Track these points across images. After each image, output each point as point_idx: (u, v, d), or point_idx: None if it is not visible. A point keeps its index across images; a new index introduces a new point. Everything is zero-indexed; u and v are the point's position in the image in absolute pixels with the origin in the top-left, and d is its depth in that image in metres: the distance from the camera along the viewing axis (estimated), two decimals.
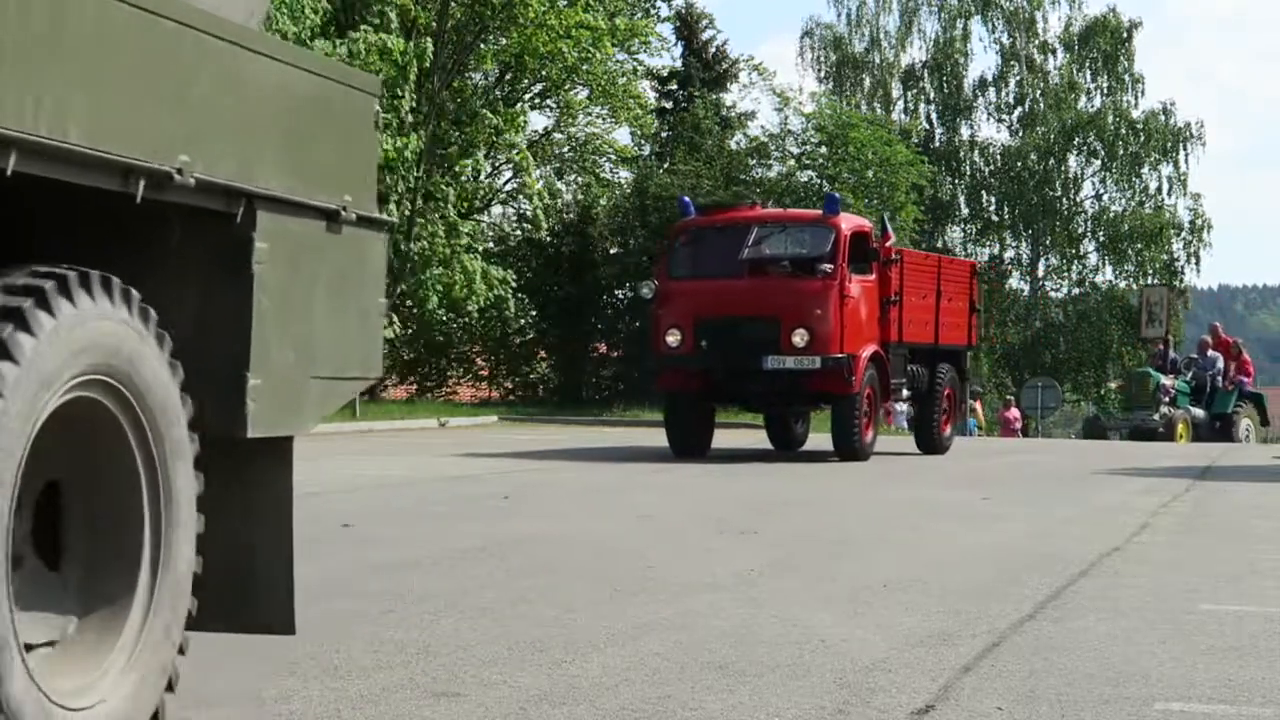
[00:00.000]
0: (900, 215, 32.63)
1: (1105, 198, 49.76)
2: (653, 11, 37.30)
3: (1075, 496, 13.35)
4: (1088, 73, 50.20)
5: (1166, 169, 48.74)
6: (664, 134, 39.73)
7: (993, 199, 50.74)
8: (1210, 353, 30.79)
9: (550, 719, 4.79)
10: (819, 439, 19.03)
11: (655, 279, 17.69)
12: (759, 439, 19.99)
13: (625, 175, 38.09)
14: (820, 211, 18.08)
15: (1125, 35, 49.85)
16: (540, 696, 5.05)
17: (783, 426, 19.49)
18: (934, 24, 51.53)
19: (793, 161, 33.66)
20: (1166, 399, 29.21)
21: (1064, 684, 5.34)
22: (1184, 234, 48.41)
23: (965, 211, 50.74)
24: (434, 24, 27.98)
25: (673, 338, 17.02)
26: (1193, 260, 48.41)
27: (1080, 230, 49.76)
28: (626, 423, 26.78)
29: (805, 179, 33.17)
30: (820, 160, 33.23)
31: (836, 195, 18.26)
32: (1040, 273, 50.64)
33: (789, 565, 8.27)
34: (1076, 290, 49.53)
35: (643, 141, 39.36)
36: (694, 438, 17.69)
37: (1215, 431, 29.41)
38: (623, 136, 38.30)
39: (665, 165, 36.66)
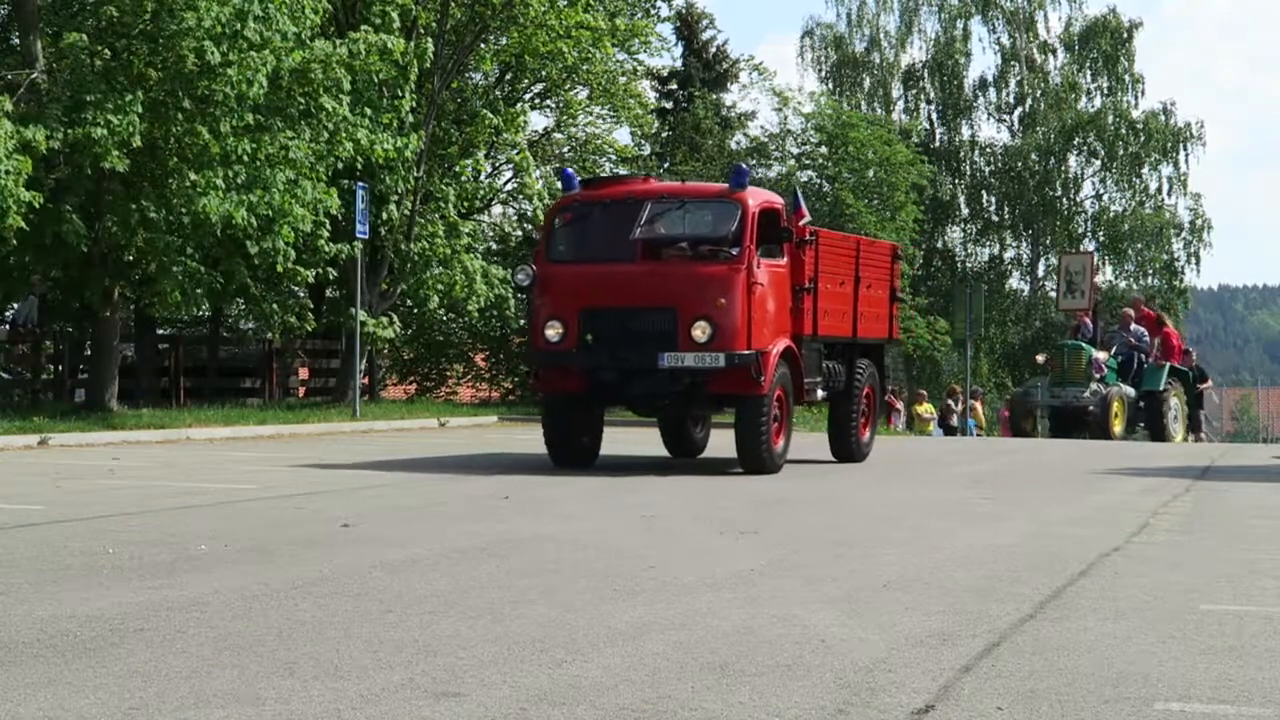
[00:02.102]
0: (900, 215, 32.63)
1: (1105, 198, 49.79)
2: (653, 11, 37.27)
3: (1075, 496, 13.35)
4: (1088, 73, 50.22)
5: (1166, 169, 48.78)
6: (664, 134, 39.74)
7: (993, 199, 50.76)
8: (1134, 325, 28.38)
9: (550, 719, 4.79)
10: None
11: (534, 263, 15.41)
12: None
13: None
14: (724, 185, 15.66)
15: (1125, 35, 49.87)
16: (540, 696, 5.05)
17: (680, 430, 17.60)
18: (934, 24, 51.61)
19: (793, 161, 33.66)
20: (1099, 375, 26.74)
21: (1064, 684, 5.34)
22: (1184, 234, 48.41)
23: (965, 211, 50.74)
24: (434, 24, 27.97)
25: (552, 331, 14.82)
26: (1193, 260, 48.46)
27: (1080, 230, 49.78)
28: (627, 423, 26.77)
29: (805, 179, 33.17)
30: (820, 160, 33.23)
31: (745, 167, 15.70)
32: (1040, 273, 50.63)
33: (789, 565, 8.27)
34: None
35: (643, 141, 39.35)
36: (578, 446, 15.54)
37: (1141, 410, 27.51)
38: (623, 136, 38.30)
39: (665, 165, 36.65)
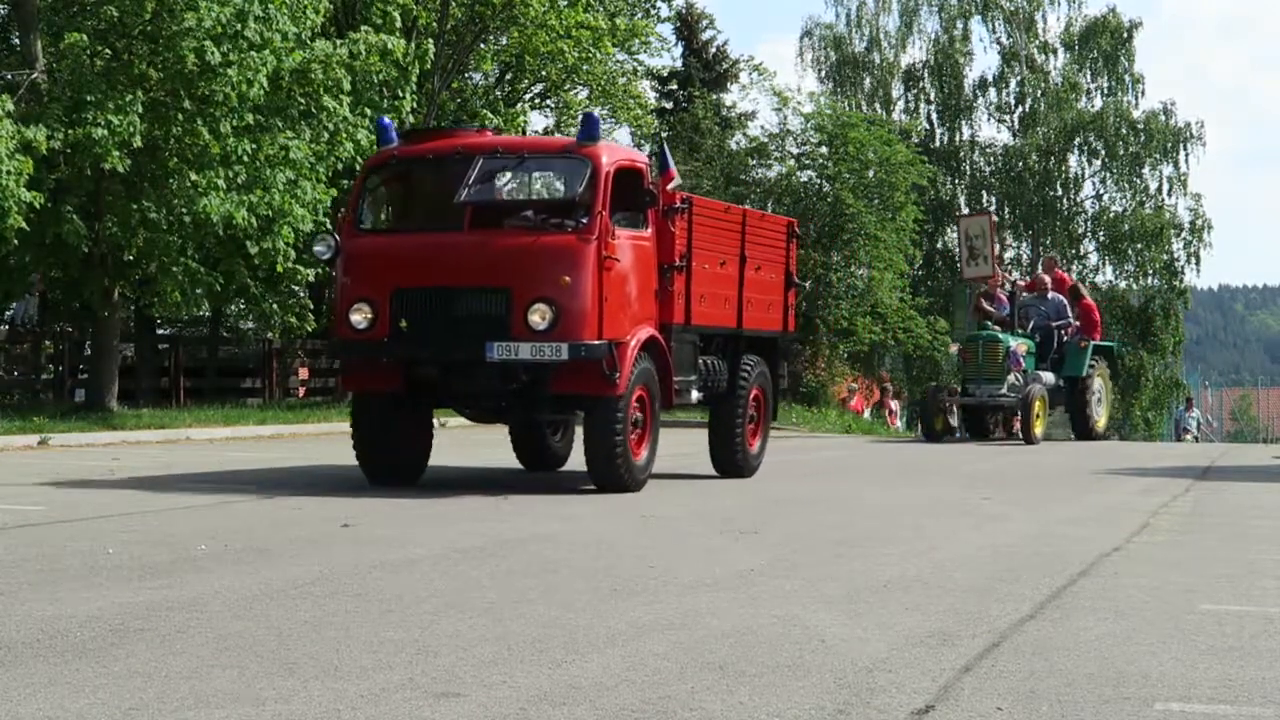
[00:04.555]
0: (900, 215, 32.59)
1: (1105, 198, 49.77)
2: (653, 12, 37.31)
3: (1075, 496, 13.36)
4: (1088, 73, 50.20)
5: (1167, 169, 48.75)
6: (664, 134, 39.74)
7: (993, 199, 50.73)
8: (1052, 295, 24.43)
9: (550, 719, 4.79)
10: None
11: (339, 233, 12.83)
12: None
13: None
14: (571, 138, 13.14)
15: (1125, 35, 49.86)
16: (540, 696, 5.05)
17: (533, 438, 15.00)
18: (934, 24, 51.57)
19: (792, 161, 33.65)
20: (1018, 369, 22.71)
21: (1064, 684, 5.34)
22: (1184, 234, 48.40)
23: (965, 212, 50.71)
24: (434, 24, 27.97)
25: (359, 316, 12.31)
26: (1193, 260, 48.42)
27: (1080, 230, 49.77)
28: None
29: (805, 179, 33.16)
30: (820, 160, 33.21)
31: (595, 115, 13.01)
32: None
33: (789, 565, 8.27)
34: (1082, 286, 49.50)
35: (643, 141, 39.36)
36: (395, 458, 12.91)
37: (1060, 393, 23.93)
38: (623, 136, 38.30)
39: None
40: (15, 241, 19.45)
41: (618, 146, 13.88)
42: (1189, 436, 41.02)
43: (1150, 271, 48.09)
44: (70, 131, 19.29)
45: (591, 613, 6.59)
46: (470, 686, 5.17)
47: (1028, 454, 20.14)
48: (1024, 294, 24.65)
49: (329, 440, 20.30)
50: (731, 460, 14.59)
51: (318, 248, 12.81)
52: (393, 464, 12.88)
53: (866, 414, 34.42)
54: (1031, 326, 23.85)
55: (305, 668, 5.40)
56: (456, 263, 12.18)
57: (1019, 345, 22.77)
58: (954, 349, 24.11)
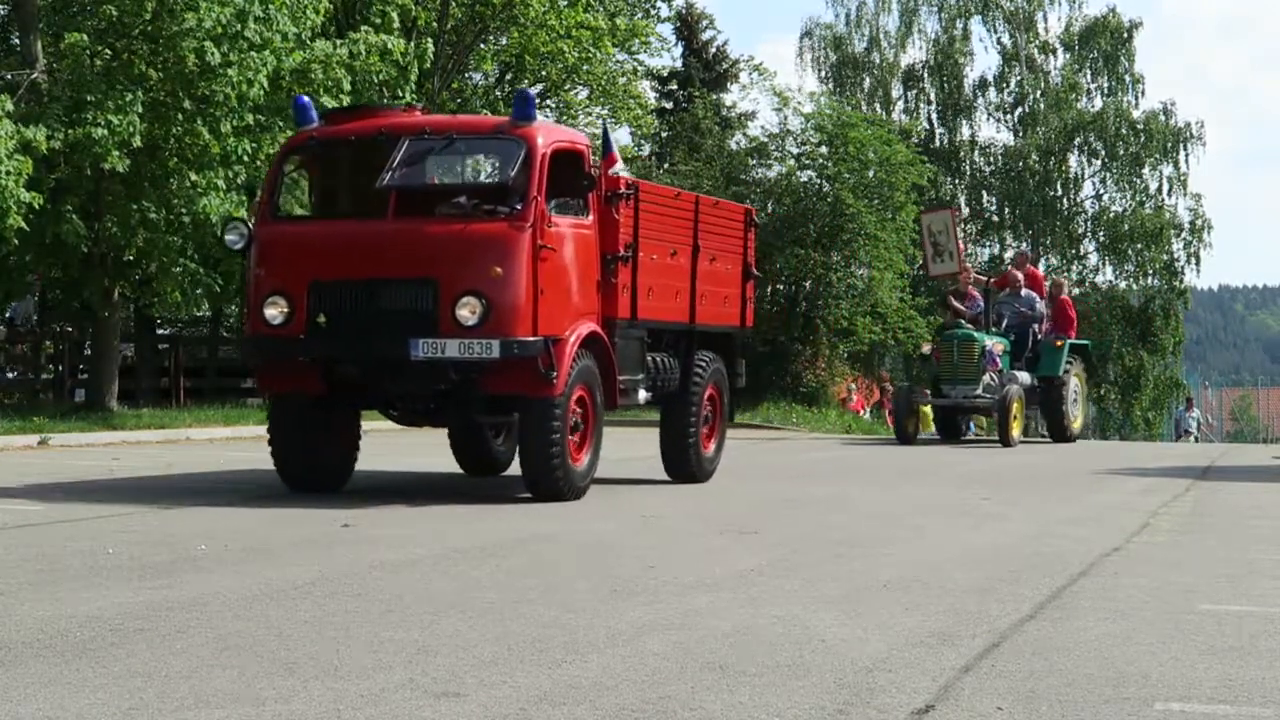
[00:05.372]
0: (900, 215, 32.58)
1: (1105, 198, 49.76)
2: (653, 12, 37.32)
3: (1075, 496, 13.36)
4: (1088, 73, 50.19)
5: (1167, 169, 48.72)
6: (664, 134, 39.75)
7: (993, 199, 50.73)
8: (1025, 291, 23.34)
9: (550, 719, 4.79)
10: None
11: (254, 222, 11.97)
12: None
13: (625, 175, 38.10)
14: (505, 118, 12.29)
15: (1125, 35, 49.84)
16: (540, 696, 5.05)
17: (473, 440, 14.11)
18: (934, 24, 51.55)
19: (792, 161, 33.64)
20: (993, 368, 21.69)
21: (1064, 684, 5.34)
22: (1184, 234, 48.38)
23: (966, 211, 50.71)
24: (434, 24, 27.97)
25: (274, 310, 11.39)
26: (1193, 260, 48.40)
27: (1080, 230, 49.75)
28: (624, 423, 26.79)
29: (805, 179, 33.15)
30: (820, 160, 33.20)
31: (531, 93, 12.15)
32: (1040, 273, 50.62)
33: (789, 565, 8.27)
34: (1076, 290, 49.53)
35: (643, 141, 39.37)
36: (315, 462, 12.05)
37: (1035, 393, 22.84)
38: (623, 137, 38.31)
39: (665, 165, 36.65)
40: (15, 241, 19.46)
41: (555, 126, 12.84)
42: (1190, 437, 41.03)
43: (1150, 271, 48.07)
44: (70, 131, 19.28)
45: (591, 613, 6.60)
46: (470, 686, 5.17)
47: (1026, 454, 20.14)
48: (996, 291, 23.65)
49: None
50: (684, 464, 13.72)
51: (228, 236, 11.88)
52: (314, 470, 12.04)
53: (866, 414, 34.41)
54: (1005, 325, 22.92)
55: (305, 668, 5.40)
56: (379, 253, 11.27)
57: (995, 345, 21.93)
58: (927, 348, 22.99)
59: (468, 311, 11.00)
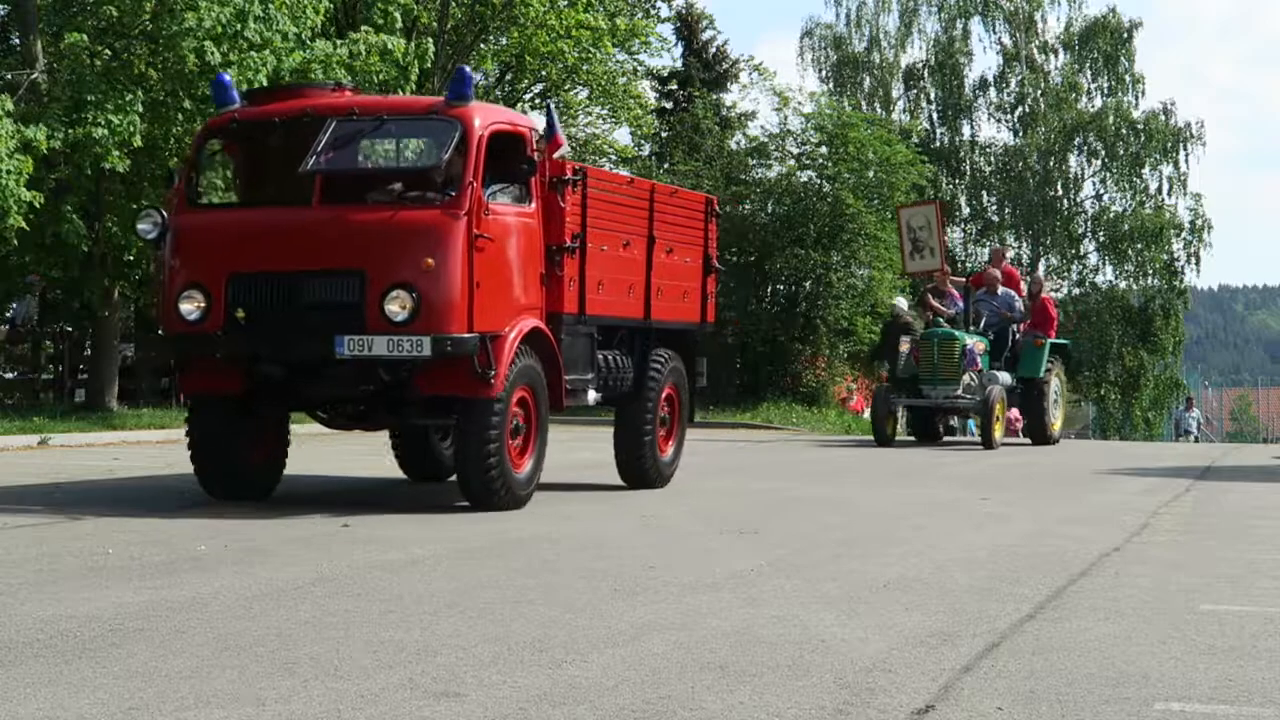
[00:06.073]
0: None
1: (1105, 198, 49.77)
2: (653, 12, 37.34)
3: (1075, 496, 13.35)
4: (1088, 73, 50.20)
5: (1167, 169, 48.73)
6: (664, 134, 39.75)
7: (993, 199, 50.74)
8: (1003, 290, 22.46)
9: (550, 719, 4.79)
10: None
11: (171, 210, 11.03)
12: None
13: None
14: (440, 98, 11.38)
15: (1125, 35, 49.85)
16: (540, 696, 5.05)
17: (415, 445, 13.35)
18: (934, 24, 51.56)
19: (792, 161, 33.64)
20: (974, 368, 20.98)
21: (1064, 684, 5.34)
22: (1184, 234, 48.39)
23: (966, 211, 50.73)
24: (434, 24, 27.97)
25: (190, 305, 10.63)
26: (1193, 260, 48.42)
27: (1080, 230, 49.76)
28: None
29: (805, 179, 33.15)
30: (820, 160, 33.21)
31: (468, 71, 11.22)
32: (1040, 273, 50.64)
33: (789, 565, 8.27)
34: (1077, 290, 49.55)
35: (643, 141, 39.37)
36: (237, 468, 11.28)
37: (1017, 396, 21.96)
38: (623, 137, 38.34)
39: (665, 165, 36.66)
40: (15, 241, 19.46)
41: (494, 107, 12.02)
42: (1189, 436, 41.03)
43: (1150, 271, 48.08)
44: (70, 131, 19.29)
45: (591, 613, 6.60)
46: (470, 686, 5.17)
47: (1025, 454, 20.13)
48: (974, 290, 22.76)
49: (329, 440, 20.30)
50: (639, 468, 12.95)
51: (140, 226, 11.04)
52: (236, 478, 11.27)
53: (867, 414, 34.41)
54: (984, 324, 22.10)
55: (305, 668, 5.40)
56: (302, 243, 10.44)
57: (976, 344, 21.27)
58: (905, 347, 21.88)
59: (397, 306, 10.21)
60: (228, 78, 11.67)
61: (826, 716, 4.86)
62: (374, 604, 6.73)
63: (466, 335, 10.28)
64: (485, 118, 10.87)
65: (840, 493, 13.30)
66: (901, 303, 24.51)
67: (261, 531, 9.42)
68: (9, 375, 25.52)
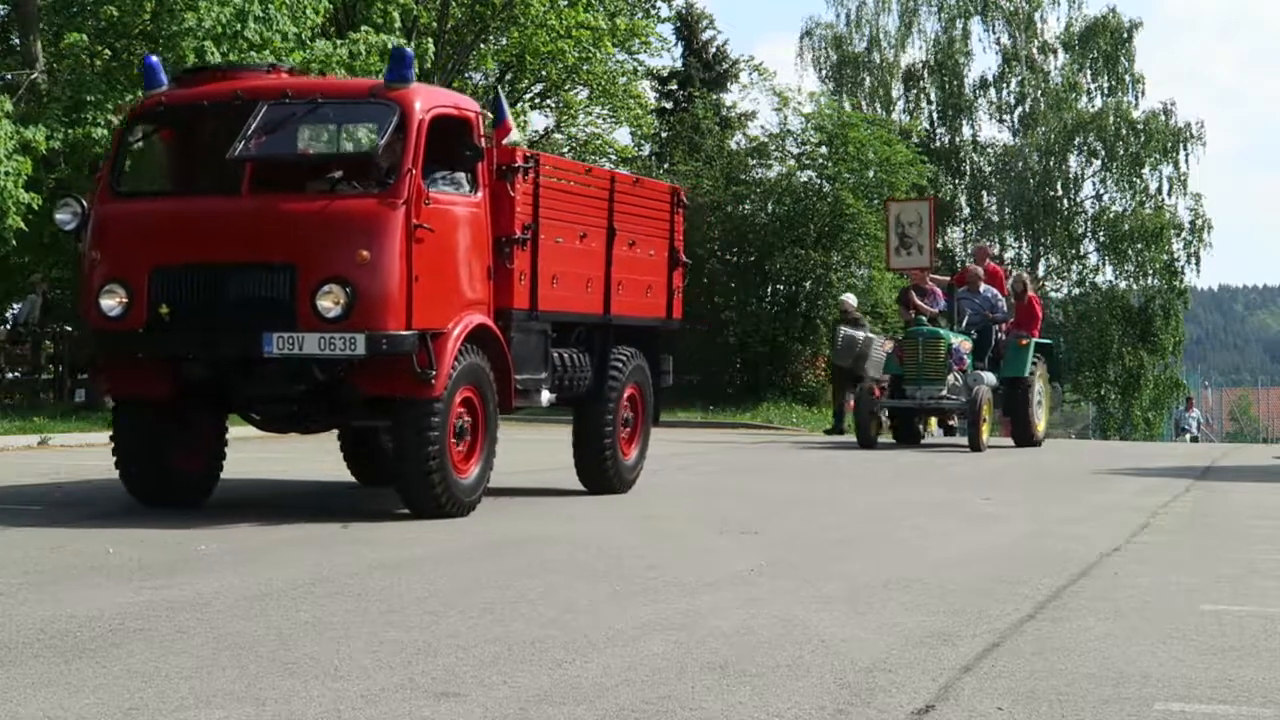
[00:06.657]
0: None
1: (1105, 198, 49.77)
2: (653, 11, 37.35)
3: (1075, 496, 13.35)
4: (1088, 73, 50.20)
5: (1167, 169, 48.72)
6: (664, 134, 39.77)
7: (993, 199, 50.75)
8: (985, 289, 21.64)
9: (550, 719, 4.79)
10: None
11: (93, 199, 10.38)
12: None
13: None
14: (378, 80, 10.72)
15: (1125, 35, 49.84)
16: (540, 696, 5.05)
17: (364, 444, 12.51)
18: (934, 24, 51.55)
19: (792, 162, 33.64)
20: (960, 367, 20.37)
21: (1064, 684, 5.34)
22: (1184, 234, 48.39)
23: (966, 211, 50.74)
24: (434, 24, 27.98)
25: (111, 300, 9.94)
26: (1193, 260, 48.41)
27: (1080, 230, 49.76)
28: None
29: (805, 179, 33.16)
30: (820, 160, 33.21)
31: (409, 51, 10.47)
32: (1040, 273, 50.65)
33: (789, 565, 8.27)
34: (1076, 290, 49.56)
35: (643, 141, 39.39)
36: (167, 473, 10.62)
37: (999, 395, 21.33)
38: (623, 136, 38.36)
39: (665, 165, 36.67)
40: (15, 242, 19.47)
41: (437, 90, 11.29)
42: (1186, 435, 41.01)
43: (1150, 271, 48.07)
44: (70, 131, 19.30)
45: (591, 613, 6.60)
46: (470, 686, 5.17)
47: (1024, 455, 20.13)
48: (956, 287, 22.07)
49: (328, 440, 20.30)
50: (599, 472, 12.28)
51: (59, 216, 10.34)
52: (166, 484, 10.62)
53: None
54: (966, 323, 21.38)
55: (305, 668, 5.40)
56: (229, 234, 9.79)
57: (962, 343, 20.62)
58: (888, 346, 21.49)
59: (330, 301, 9.56)
60: (155, 60, 10.95)
61: (826, 716, 4.87)
62: (374, 604, 6.73)
63: (404, 333, 9.66)
64: (427, 101, 10.22)
65: (840, 493, 13.30)
66: (850, 299, 24.33)
67: (261, 532, 9.42)
68: (9, 375, 25.53)
